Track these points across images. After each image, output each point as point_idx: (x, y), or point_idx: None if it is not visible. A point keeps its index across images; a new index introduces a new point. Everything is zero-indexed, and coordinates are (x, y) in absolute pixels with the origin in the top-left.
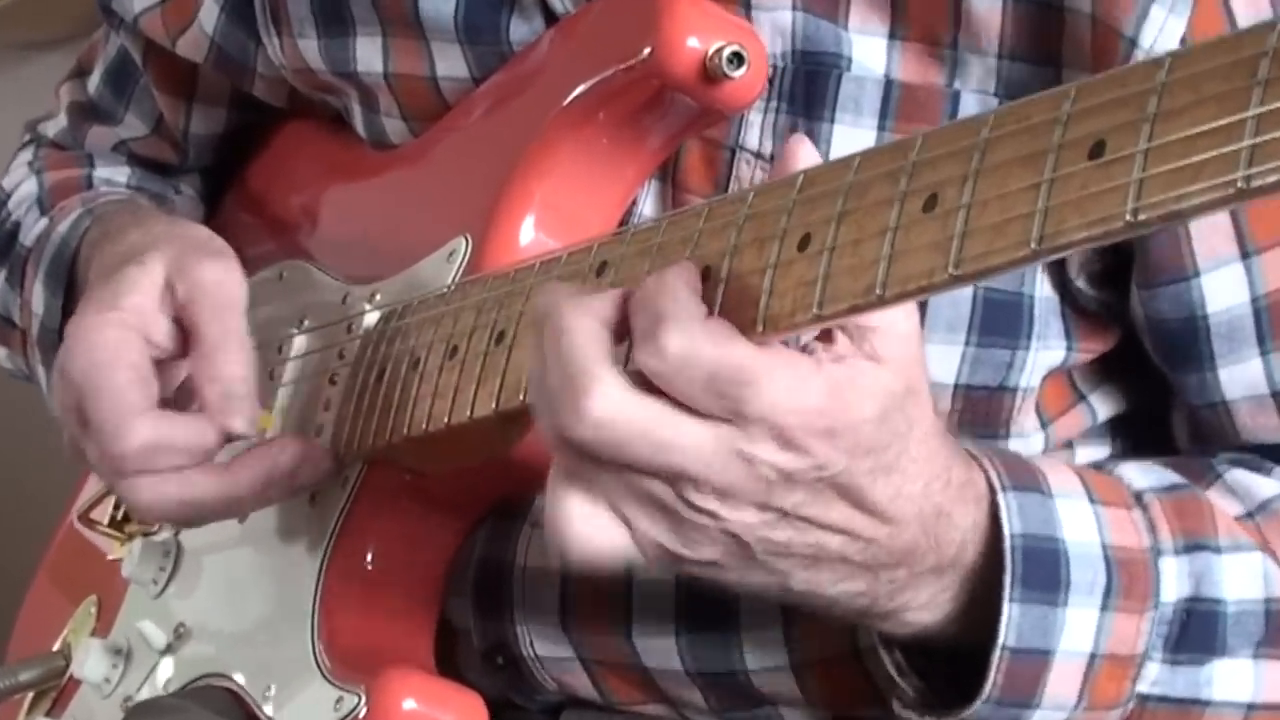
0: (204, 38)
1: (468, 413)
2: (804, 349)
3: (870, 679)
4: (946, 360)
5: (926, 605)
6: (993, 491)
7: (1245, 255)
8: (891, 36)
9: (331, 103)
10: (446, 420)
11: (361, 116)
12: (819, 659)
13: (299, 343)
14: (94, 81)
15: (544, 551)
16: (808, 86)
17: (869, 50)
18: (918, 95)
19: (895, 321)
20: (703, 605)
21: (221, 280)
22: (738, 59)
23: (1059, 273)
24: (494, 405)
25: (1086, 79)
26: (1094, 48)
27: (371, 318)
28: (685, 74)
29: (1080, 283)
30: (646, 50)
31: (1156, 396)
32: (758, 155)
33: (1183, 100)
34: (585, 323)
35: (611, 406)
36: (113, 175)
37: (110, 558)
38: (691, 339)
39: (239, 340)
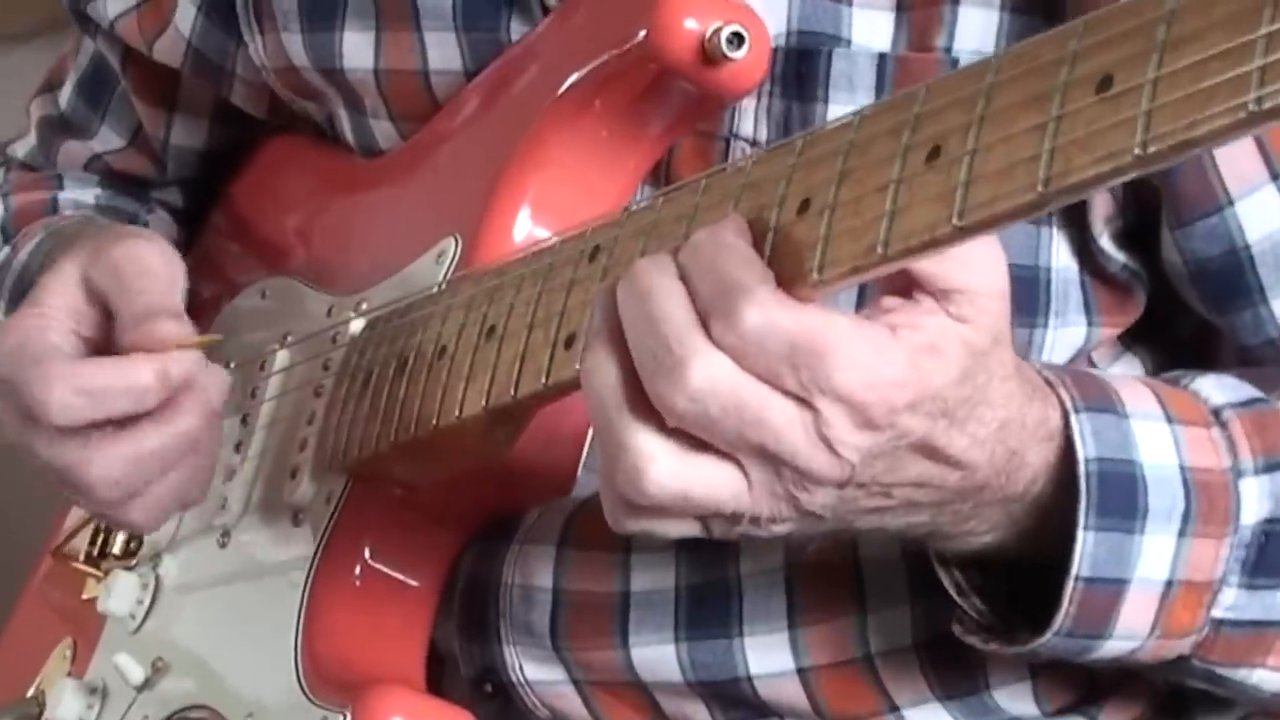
0: (180, 41)
1: (456, 413)
2: (883, 309)
3: (879, 683)
4: None
5: (992, 529)
6: (1066, 415)
7: (1275, 176)
8: (898, 8)
9: (313, 112)
10: (434, 422)
11: (348, 120)
12: (827, 663)
13: (282, 357)
14: (65, 94)
15: (532, 569)
16: (799, 67)
17: (872, 26)
18: (912, 64)
19: (984, 280)
20: (704, 609)
21: (131, 253)
22: (738, 39)
23: (1080, 236)
24: (484, 403)
25: (1096, 13)
26: None
27: (357, 325)
28: (683, 56)
29: (1105, 241)
30: (642, 33)
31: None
32: (753, 143)
33: (1192, 26)
34: (669, 283)
35: (712, 376)
36: (80, 196)
37: (84, 597)
38: (767, 311)
39: (153, 289)
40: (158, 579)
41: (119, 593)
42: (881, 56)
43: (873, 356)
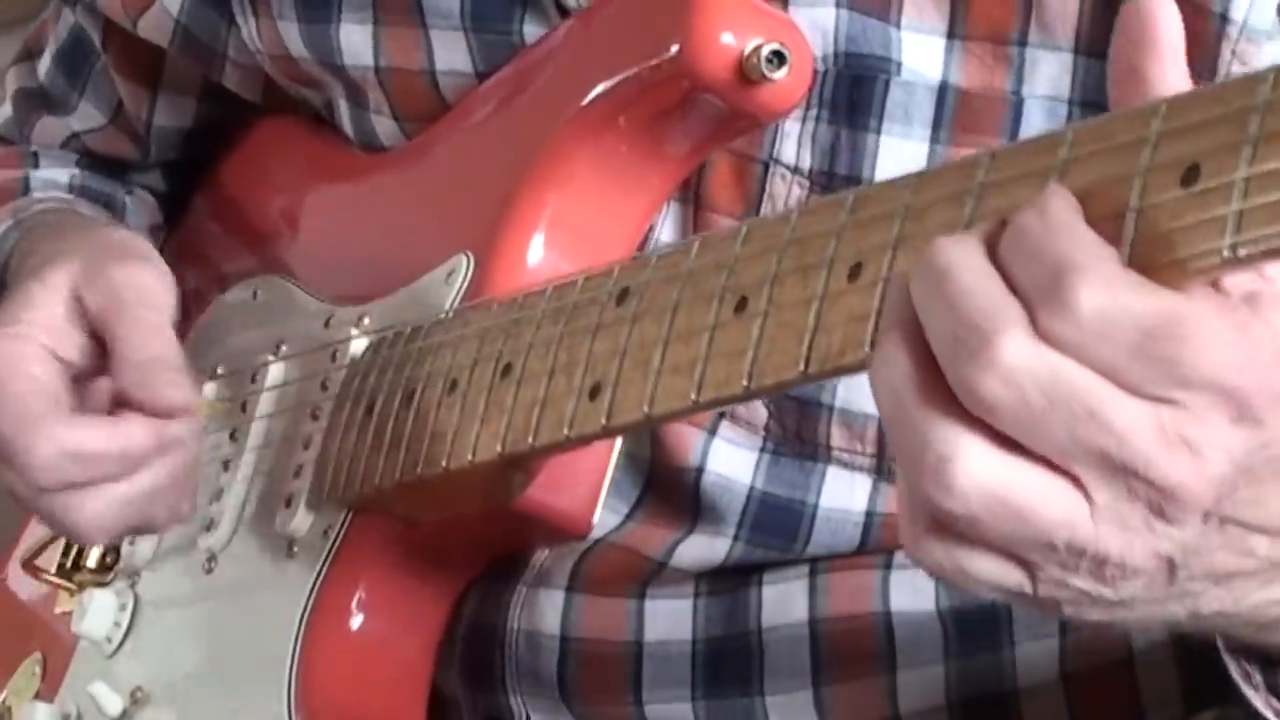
0: (167, 18)
1: (469, 456)
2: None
3: None
4: None
5: None
6: None
7: None
8: (950, 35)
9: (312, 99)
10: (444, 464)
11: (349, 114)
12: None
13: (275, 371)
14: (44, 65)
15: (539, 614)
16: (852, 92)
17: (923, 51)
18: (975, 103)
19: None
20: (723, 666)
21: (133, 280)
22: (778, 58)
23: None
24: (499, 449)
25: (1178, 94)
26: None
27: (359, 345)
28: (719, 74)
29: None
30: (675, 47)
31: None
32: (795, 170)
33: None
34: (974, 260)
35: (1028, 356)
36: (55, 176)
37: (57, 610)
38: (1113, 292)
39: (156, 328)
40: (136, 598)
41: (95, 613)
42: (942, 88)
43: (1237, 334)
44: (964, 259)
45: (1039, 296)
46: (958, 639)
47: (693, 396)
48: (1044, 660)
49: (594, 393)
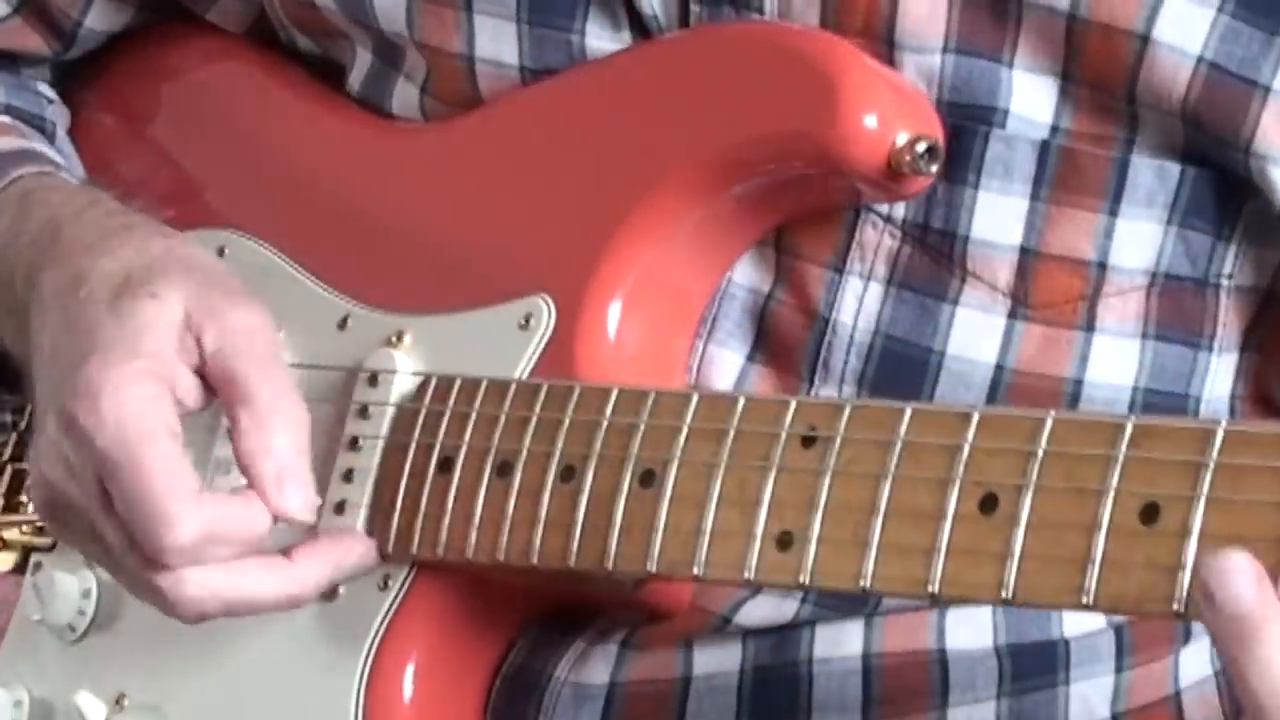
0: None
1: (607, 565)
2: None
3: None
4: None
5: None
6: None
7: None
8: (1065, 77)
9: (313, 47)
10: (571, 563)
11: (368, 70)
12: None
13: None
14: None
15: (590, 669)
16: (951, 144)
17: (1033, 95)
18: (1079, 161)
19: None
20: (769, 697)
21: (260, 328)
22: (931, 154)
23: None
24: (652, 568)
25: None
26: None
27: (407, 380)
28: (867, 166)
29: None
30: (818, 126)
31: None
32: (887, 220)
33: None
34: None
35: None
36: None
37: None
38: None
39: (295, 404)
40: (99, 584)
41: (57, 598)
42: (1045, 145)
43: None
44: None
45: None
46: (1013, 676)
47: (931, 588)
48: (1096, 698)
49: (784, 542)
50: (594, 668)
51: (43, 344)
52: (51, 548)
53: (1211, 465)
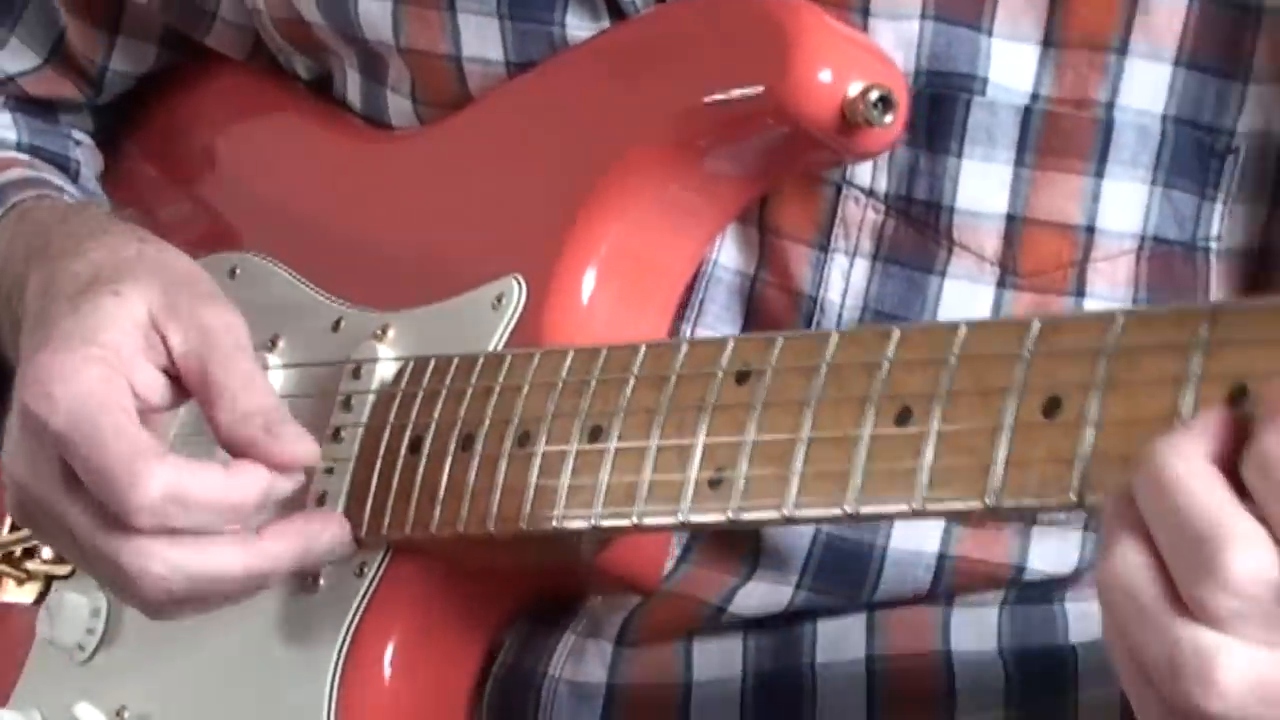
0: None
1: (554, 523)
2: None
3: None
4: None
5: None
6: None
7: None
8: (1045, 43)
9: (310, 65)
10: (523, 525)
11: (359, 85)
12: None
13: (280, 379)
14: None
15: (586, 666)
16: (931, 113)
17: (1014, 62)
18: (1062, 124)
19: None
20: (773, 703)
21: (229, 324)
22: (884, 104)
23: None
24: (593, 521)
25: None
26: None
27: (389, 367)
28: (821, 118)
29: None
30: (771, 81)
31: None
32: (869, 194)
33: None
34: (1197, 471)
35: (1255, 576)
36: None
37: (4, 599)
38: None
39: (262, 380)
40: (109, 603)
41: (66, 618)
42: (1027, 110)
43: None
44: (1184, 468)
45: None
46: (1021, 685)
47: (847, 508)
48: (1107, 709)
49: (715, 482)
50: (589, 665)
51: (21, 345)
52: (70, 574)
53: (1110, 351)
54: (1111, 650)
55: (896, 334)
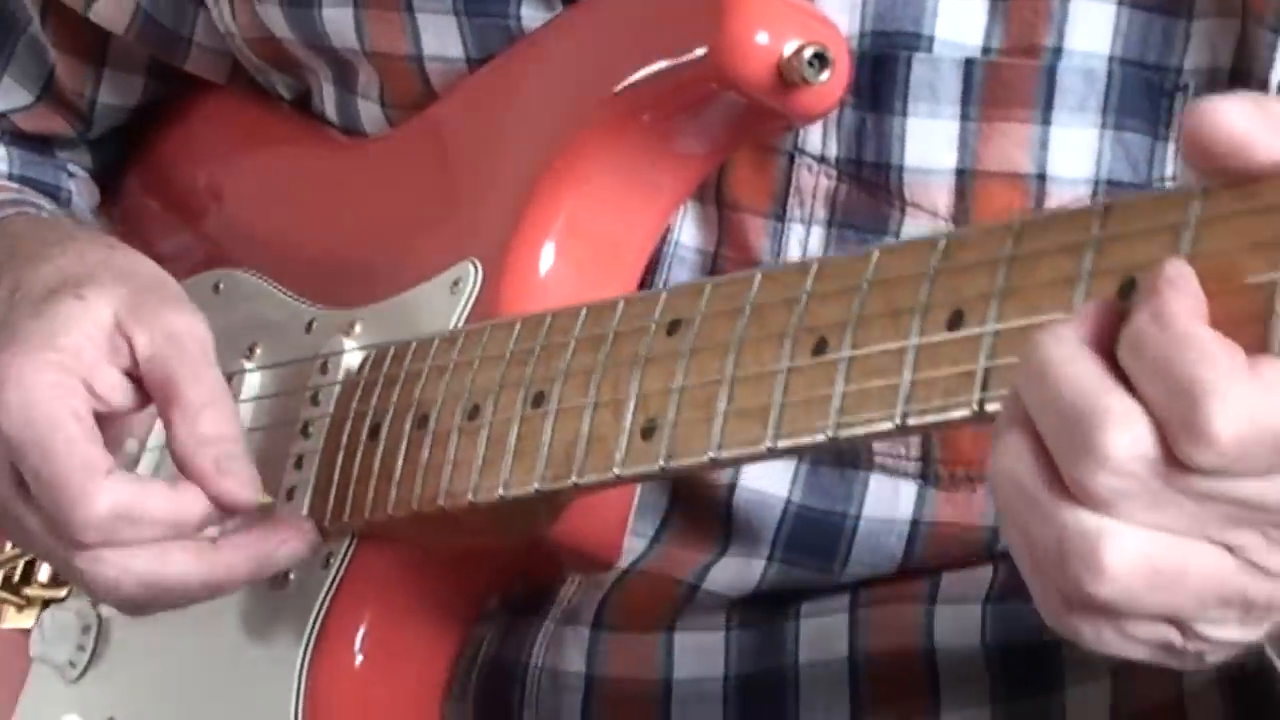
0: (128, 2)
1: (499, 491)
2: None
3: None
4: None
5: None
6: None
7: None
8: None
9: (289, 82)
10: (471, 497)
11: (334, 97)
12: None
13: (254, 381)
14: None
15: (564, 653)
16: (874, 73)
17: (962, 16)
18: (1004, 75)
19: None
20: (756, 703)
21: (191, 329)
22: (820, 61)
23: None
24: (536, 485)
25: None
26: None
27: (353, 358)
28: (757, 78)
29: None
30: (708, 46)
31: None
32: (821, 160)
33: None
34: (1072, 355)
35: (1130, 454)
36: None
37: (4, 626)
38: (1250, 407)
39: (226, 403)
40: (100, 619)
41: (55, 636)
42: (969, 62)
43: None
44: (1061, 353)
45: (1172, 422)
46: (1005, 681)
47: (767, 444)
48: (1095, 703)
49: (648, 431)
50: (568, 653)
51: None
52: (66, 598)
53: (1008, 259)
54: (1011, 548)
55: (815, 266)
